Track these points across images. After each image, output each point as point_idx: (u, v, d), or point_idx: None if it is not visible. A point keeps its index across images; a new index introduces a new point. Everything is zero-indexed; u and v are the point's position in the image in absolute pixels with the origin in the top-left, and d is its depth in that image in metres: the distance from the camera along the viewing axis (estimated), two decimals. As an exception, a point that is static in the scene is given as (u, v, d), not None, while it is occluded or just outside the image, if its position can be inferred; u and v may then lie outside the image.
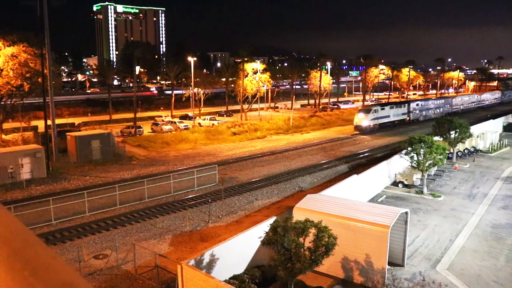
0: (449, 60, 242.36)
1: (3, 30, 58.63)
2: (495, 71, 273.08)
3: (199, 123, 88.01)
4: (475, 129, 59.36)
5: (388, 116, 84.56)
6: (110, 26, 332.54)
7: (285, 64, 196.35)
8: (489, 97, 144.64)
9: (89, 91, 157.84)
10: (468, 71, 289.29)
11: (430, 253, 27.32)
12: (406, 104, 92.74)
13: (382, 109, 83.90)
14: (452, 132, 50.90)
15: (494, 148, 62.74)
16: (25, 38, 57.85)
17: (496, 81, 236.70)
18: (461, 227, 31.99)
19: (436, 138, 47.16)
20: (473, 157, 56.31)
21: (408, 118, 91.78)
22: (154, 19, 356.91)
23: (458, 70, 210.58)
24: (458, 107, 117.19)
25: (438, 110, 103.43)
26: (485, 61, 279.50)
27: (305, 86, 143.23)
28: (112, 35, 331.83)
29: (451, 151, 51.91)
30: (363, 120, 78.70)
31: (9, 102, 62.48)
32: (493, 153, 60.68)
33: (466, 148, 57.46)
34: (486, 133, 62.96)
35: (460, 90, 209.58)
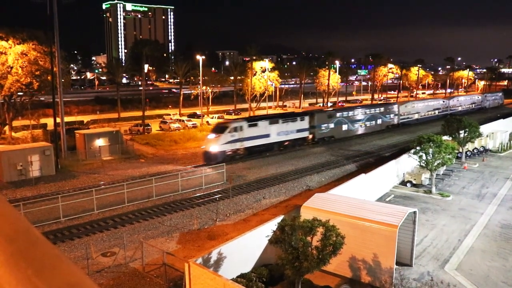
0: (459, 59, 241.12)
1: (13, 28, 59.06)
2: (505, 70, 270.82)
3: (207, 122, 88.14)
4: (484, 128, 58.90)
5: (266, 136, 55.97)
6: (119, 24, 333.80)
7: (294, 63, 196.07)
8: (463, 102, 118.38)
9: (97, 90, 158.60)
10: (478, 70, 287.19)
11: (438, 253, 27.16)
12: (307, 116, 63.35)
13: (253, 125, 54.37)
14: (461, 132, 50.56)
15: (504, 147, 62.27)
16: (35, 36, 58.29)
17: (506, 80, 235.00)
18: (470, 227, 31.77)
19: (445, 137, 46.87)
20: (483, 157, 55.89)
21: (311, 137, 64.19)
22: (163, 17, 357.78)
23: (468, 69, 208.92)
24: (410, 116, 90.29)
25: (373, 123, 77.22)
26: (496, 60, 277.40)
27: (309, 85, 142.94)
28: (121, 33, 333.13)
29: (460, 150, 51.57)
30: (214, 144, 50.52)
31: (18, 100, 63.01)
32: (503, 152, 60.21)
33: (476, 148, 57.06)
34: (495, 132, 62.51)
35: (469, 89, 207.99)
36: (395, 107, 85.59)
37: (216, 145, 50.48)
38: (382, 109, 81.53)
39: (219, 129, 53.06)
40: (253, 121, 56.37)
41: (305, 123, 62.30)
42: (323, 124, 66.39)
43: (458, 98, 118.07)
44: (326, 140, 66.73)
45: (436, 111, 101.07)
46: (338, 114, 69.89)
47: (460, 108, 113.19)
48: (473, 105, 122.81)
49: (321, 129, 66.16)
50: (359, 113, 74.79)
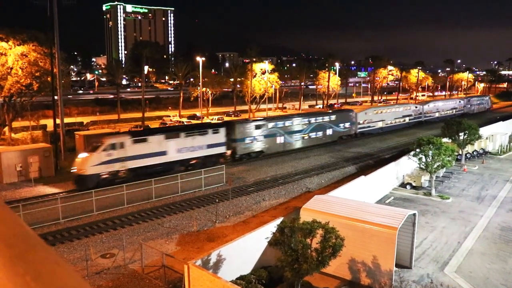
0: (459, 61, 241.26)
1: (13, 29, 59.06)
2: (505, 72, 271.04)
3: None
4: (484, 131, 58.91)
5: (162, 154, 45.50)
6: (119, 25, 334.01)
7: (294, 65, 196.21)
8: (441, 107, 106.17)
9: (97, 91, 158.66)
10: (477, 72, 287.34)
11: (438, 255, 27.14)
12: (223, 128, 52.26)
13: (140, 140, 44.10)
14: (461, 134, 50.58)
15: (504, 150, 62.28)
16: (35, 37, 58.26)
17: (506, 83, 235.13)
18: (469, 230, 31.75)
19: (445, 139, 46.89)
20: (482, 159, 55.89)
21: (230, 152, 53.30)
22: (163, 19, 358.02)
23: (468, 72, 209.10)
24: (373, 125, 78.35)
25: (320, 134, 66.10)
26: (495, 62, 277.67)
27: (312, 87, 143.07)
28: (121, 35, 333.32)
29: (460, 152, 51.58)
30: (85, 165, 40.40)
31: (18, 101, 62.97)
32: (503, 155, 60.23)
33: (475, 150, 57.07)
34: (495, 135, 62.52)
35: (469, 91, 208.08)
36: (352, 115, 72.91)
37: (87, 167, 40.10)
38: (333, 117, 68.69)
39: (92, 146, 42.40)
40: (140, 135, 46.16)
41: (220, 137, 50.96)
42: (248, 137, 54.91)
43: (434, 103, 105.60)
44: (254, 156, 55.50)
45: (407, 118, 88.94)
46: (270, 124, 58.49)
47: (437, 115, 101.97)
48: (454, 110, 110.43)
49: (245, 143, 54.56)
50: (300, 122, 62.97)
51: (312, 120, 65.05)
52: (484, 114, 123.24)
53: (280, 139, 59.59)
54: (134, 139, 43.50)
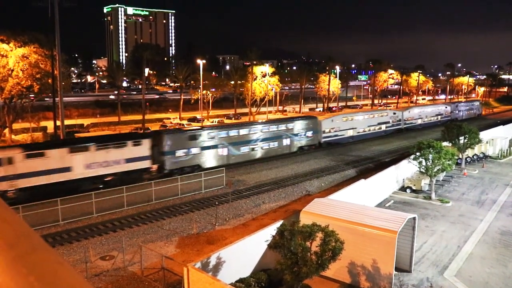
0: (459, 65, 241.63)
1: (14, 31, 59.22)
2: (505, 76, 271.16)
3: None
4: (484, 135, 58.90)
5: (65, 170, 39.30)
6: (120, 28, 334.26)
7: (294, 68, 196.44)
8: (424, 114, 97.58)
9: (97, 93, 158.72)
10: (478, 76, 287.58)
11: (437, 259, 27.12)
12: (147, 140, 45.77)
13: (36, 155, 38.12)
14: (461, 138, 50.57)
15: (504, 154, 62.26)
16: (36, 39, 58.44)
17: (506, 87, 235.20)
18: (469, 234, 31.73)
19: (445, 143, 46.88)
20: (482, 163, 55.88)
21: (156, 167, 45.99)
22: (164, 21, 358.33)
23: (468, 76, 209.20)
24: (341, 133, 70.74)
25: (274, 144, 59.11)
26: (496, 66, 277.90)
27: (312, 89, 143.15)
28: (122, 37, 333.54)
29: (460, 156, 51.56)
30: None
31: (19, 103, 63.07)
32: (503, 159, 60.21)
33: (475, 154, 57.05)
34: (495, 139, 62.51)
35: (471, 95, 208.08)
36: (315, 122, 65.54)
37: None
38: (291, 125, 61.21)
39: None
40: (36, 149, 39.36)
41: (143, 149, 44.36)
42: (180, 150, 48.00)
43: (417, 109, 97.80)
44: (188, 172, 46.99)
45: (383, 126, 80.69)
46: (209, 134, 51.26)
47: (419, 121, 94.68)
48: (439, 117, 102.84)
49: (176, 156, 47.55)
50: (249, 132, 55.91)
51: (264, 128, 57.66)
52: (474, 121, 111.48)
53: (222, 151, 52.29)
54: (27, 153, 37.23)
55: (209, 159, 51.08)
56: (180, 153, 48.07)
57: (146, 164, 44.80)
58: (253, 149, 55.91)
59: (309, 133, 63.73)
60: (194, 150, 49.50)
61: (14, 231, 1.23)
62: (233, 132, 54.11)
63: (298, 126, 62.19)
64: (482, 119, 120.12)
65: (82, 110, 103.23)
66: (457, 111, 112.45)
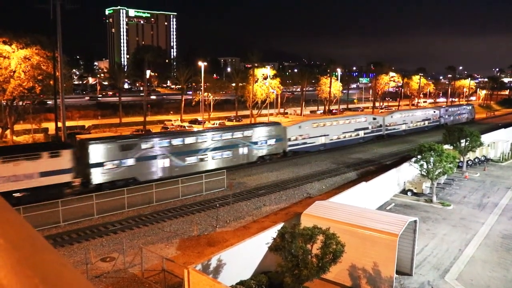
0: (460, 68, 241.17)
1: (16, 32, 59.37)
2: (507, 79, 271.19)
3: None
4: (486, 138, 58.85)
5: None
6: (121, 30, 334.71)
7: (295, 70, 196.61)
8: (409, 119, 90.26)
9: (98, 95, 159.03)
10: (479, 79, 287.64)
11: (439, 263, 27.07)
12: (68, 151, 40.18)
13: None
14: (463, 141, 50.55)
15: (505, 157, 62.19)
16: (38, 41, 58.61)
17: (508, 90, 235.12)
18: (470, 237, 31.68)
19: (446, 146, 46.86)
20: (484, 166, 55.82)
21: (79, 181, 40.51)
22: (166, 23, 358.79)
23: (469, 78, 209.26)
24: (311, 141, 64.73)
25: (229, 153, 53.24)
26: (497, 69, 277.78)
27: (313, 92, 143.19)
28: (123, 39, 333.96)
29: (461, 159, 51.52)
30: None
31: (20, 104, 63.18)
32: (504, 162, 60.15)
33: (477, 157, 57.01)
34: (497, 142, 62.46)
35: (471, 98, 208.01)
36: (279, 129, 59.61)
37: None
38: (249, 132, 55.40)
39: None
40: None
41: (62, 161, 38.89)
42: (111, 161, 42.40)
43: (400, 114, 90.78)
44: (122, 186, 41.18)
45: (361, 132, 74.58)
46: (146, 144, 45.94)
47: (403, 127, 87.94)
48: (426, 122, 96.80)
49: (105, 168, 41.96)
50: (197, 140, 50.26)
51: (215, 136, 51.80)
52: (467, 125, 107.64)
53: (163, 162, 46.64)
54: None
55: (147, 171, 45.36)
56: (110, 165, 42.33)
57: (66, 178, 39.09)
58: (202, 160, 50.06)
59: (272, 141, 57.82)
60: (129, 162, 43.75)
61: (19, 233, 1.23)
62: (176, 141, 48.40)
63: (258, 133, 56.19)
64: (475, 124, 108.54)
65: (83, 111, 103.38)
66: (446, 116, 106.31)
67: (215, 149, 51.26)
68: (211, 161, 50.99)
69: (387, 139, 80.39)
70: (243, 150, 54.30)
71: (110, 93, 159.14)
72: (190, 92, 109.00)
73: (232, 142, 53.19)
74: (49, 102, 75.31)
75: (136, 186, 39.83)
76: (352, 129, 72.66)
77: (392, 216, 26.29)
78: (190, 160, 49.04)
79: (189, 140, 49.48)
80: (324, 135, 66.80)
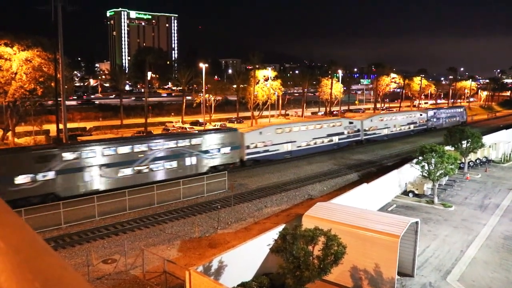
0: (462, 69, 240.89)
1: (18, 34, 59.47)
2: (508, 80, 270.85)
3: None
4: (487, 139, 58.76)
5: None
6: (122, 31, 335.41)
7: (296, 72, 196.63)
8: (391, 122, 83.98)
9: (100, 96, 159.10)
10: (480, 80, 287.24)
11: (440, 264, 27.03)
12: None
13: None
14: (464, 142, 50.49)
15: (507, 158, 62.09)
16: (40, 43, 58.71)
17: (509, 91, 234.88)
18: (472, 238, 31.63)
19: (448, 147, 46.80)
20: (485, 167, 55.75)
21: None
22: (167, 25, 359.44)
23: (471, 80, 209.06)
24: (275, 148, 59.20)
25: (172, 164, 47.18)
26: (498, 70, 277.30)
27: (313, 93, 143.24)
28: (124, 41, 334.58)
29: (463, 161, 51.46)
30: None
31: (22, 106, 63.24)
32: (506, 163, 60.05)
33: (478, 158, 56.93)
34: (498, 143, 62.35)
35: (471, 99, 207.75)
36: (235, 136, 54.03)
37: None
38: (198, 140, 49.84)
39: None
40: None
41: None
42: (23, 175, 36.98)
43: (382, 117, 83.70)
44: (36, 202, 35.96)
45: (335, 138, 68.53)
46: (70, 154, 40.26)
47: (385, 132, 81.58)
48: (412, 126, 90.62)
49: (15, 183, 36.47)
50: (132, 149, 44.44)
51: (156, 145, 46.12)
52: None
53: (90, 176, 41.06)
54: None
55: (70, 186, 39.85)
56: (21, 179, 36.79)
57: None
58: (139, 172, 44.33)
59: (226, 149, 51.99)
60: (47, 175, 38.32)
61: (19, 236, 1.23)
62: (108, 151, 42.65)
63: (209, 141, 50.48)
64: (466, 127, 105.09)
65: (84, 113, 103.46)
66: (435, 119, 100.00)
67: (155, 159, 45.63)
68: (151, 173, 45.11)
69: (367, 145, 74.91)
70: (190, 160, 48.52)
71: (111, 96, 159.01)
72: (189, 98, 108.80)
73: (177, 152, 47.50)
74: (49, 102, 75.17)
75: (137, 188, 39.79)
76: (324, 135, 66.78)
77: (394, 218, 26.27)
78: (125, 172, 43.24)
79: (122, 149, 43.66)
80: (291, 142, 61.13)
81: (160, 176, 45.74)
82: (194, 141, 49.32)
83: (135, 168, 44.11)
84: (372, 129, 78.05)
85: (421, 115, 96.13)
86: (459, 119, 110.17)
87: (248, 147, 55.22)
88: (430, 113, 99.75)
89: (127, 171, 43.46)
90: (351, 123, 72.86)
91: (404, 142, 79.63)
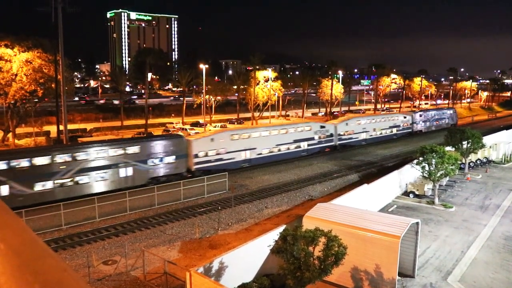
0: (462, 69, 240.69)
1: (18, 36, 59.53)
2: (508, 81, 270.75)
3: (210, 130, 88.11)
4: (488, 139, 58.71)
5: None
6: (123, 33, 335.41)
7: (297, 72, 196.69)
8: (371, 126, 77.02)
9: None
10: (481, 81, 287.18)
11: (441, 265, 27.00)
12: None
13: None
14: (464, 143, 50.45)
15: (507, 159, 62.04)
16: (40, 44, 58.76)
17: (510, 92, 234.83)
18: (473, 239, 31.60)
19: (448, 148, 46.76)
20: (486, 168, 55.71)
21: None
22: (167, 26, 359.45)
23: (471, 80, 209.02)
24: (228, 157, 53.00)
25: (101, 176, 42.07)
26: (498, 71, 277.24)
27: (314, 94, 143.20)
28: (125, 42, 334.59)
29: (463, 161, 51.43)
30: None
31: (22, 107, 63.29)
32: (506, 164, 60.01)
33: (479, 159, 56.89)
34: (499, 143, 62.31)
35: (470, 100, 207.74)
36: (180, 143, 48.50)
37: None
38: (134, 148, 44.76)
39: None
40: None
41: None
42: None
43: (358, 120, 75.87)
44: None
45: (303, 144, 62.31)
46: None
47: (364, 136, 75.05)
48: (394, 129, 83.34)
49: None
50: (51, 160, 39.19)
51: (81, 155, 40.80)
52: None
53: None
54: None
55: None
56: None
57: None
58: (61, 185, 39.28)
59: (170, 159, 46.94)
60: None
61: (19, 237, 1.23)
62: (24, 162, 37.49)
63: (148, 149, 45.52)
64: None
65: (85, 114, 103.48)
66: (421, 122, 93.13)
67: (82, 171, 40.54)
68: (77, 187, 40.17)
69: (342, 151, 68.75)
70: (125, 171, 43.52)
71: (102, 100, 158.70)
72: (190, 98, 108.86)
73: (109, 161, 42.51)
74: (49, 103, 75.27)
75: (138, 189, 39.78)
76: (290, 140, 60.59)
77: (394, 218, 26.25)
78: (43, 186, 38.11)
79: (40, 160, 38.42)
80: (250, 149, 55.12)
81: (88, 190, 40.53)
82: (130, 149, 44.24)
83: (56, 181, 38.95)
84: (348, 134, 71.71)
85: (405, 117, 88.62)
86: (448, 122, 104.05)
87: (196, 156, 49.30)
88: (416, 115, 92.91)
89: (47, 185, 38.32)
90: (322, 127, 66.87)
91: (383, 147, 73.85)
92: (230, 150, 52.89)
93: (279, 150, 58.95)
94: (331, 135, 67.45)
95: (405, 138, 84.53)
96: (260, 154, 56.56)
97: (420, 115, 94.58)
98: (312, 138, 63.73)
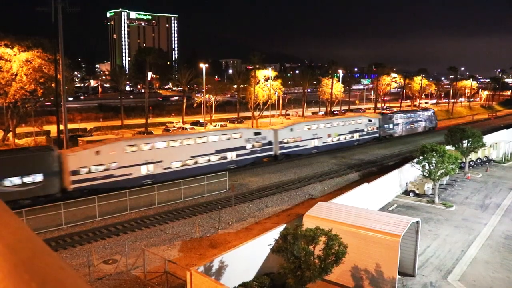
0: (462, 68, 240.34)
1: (18, 35, 59.50)
2: (509, 80, 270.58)
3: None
4: (488, 138, 58.70)
5: None
6: (123, 32, 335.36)
7: (297, 72, 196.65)
8: (325, 131, 66.20)
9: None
10: (481, 80, 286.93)
11: (441, 264, 27.00)
12: None
13: None
14: (465, 142, 50.44)
15: (508, 158, 62.04)
16: (40, 44, 58.72)
17: (510, 91, 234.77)
18: (473, 238, 31.60)
19: (448, 147, 46.75)
20: (486, 167, 55.69)
21: None
22: (167, 25, 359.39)
23: (471, 79, 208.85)
24: (128, 173, 43.02)
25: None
26: (499, 70, 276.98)
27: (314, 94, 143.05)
28: (125, 41, 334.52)
29: (464, 160, 51.42)
30: None
31: (22, 107, 63.26)
32: (506, 163, 60.01)
33: (479, 158, 56.89)
34: (499, 142, 62.29)
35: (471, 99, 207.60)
36: (46, 158, 38.39)
37: None
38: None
39: None
40: None
41: None
42: None
43: (307, 125, 64.74)
44: None
45: (230, 154, 52.48)
46: None
47: (315, 143, 64.12)
48: (357, 134, 72.54)
49: None
50: None
51: None
52: (424, 136, 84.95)
53: None
54: None
55: None
56: None
57: None
58: None
59: (35, 177, 37.06)
60: None
61: (16, 235, 1.22)
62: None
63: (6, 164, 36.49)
64: (434, 135, 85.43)
65: (85, 114, 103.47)
66: (391, 125, 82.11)
67: None
68: None
69: (285, 161, 59.16)
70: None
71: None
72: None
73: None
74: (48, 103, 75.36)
75: (139, 188, 39.75)
76: (212, 151, 50.72)
77: (394, 217, 26.24)
78: None
79: None
80: (152, 162, 45.28)
81: None
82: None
83: None
84: (294, 141, 61.05)
85: (370, 120, 76.42)
86: (426, 124, 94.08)
87: (74, 173, 39.62)
88: (385, 118, 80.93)
89: None
90: (257, 133, 56.58)
91: (332, 156, 63.71)
92: (123, 165, 42.93)
93: (196, 163, 49.08)
94: (269, 142, 57.39)
95: (370, 145, 74.58)
96: (169, 168, 46.60)
97: (390, 118, 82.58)
98: (244, 147, 54.06)
